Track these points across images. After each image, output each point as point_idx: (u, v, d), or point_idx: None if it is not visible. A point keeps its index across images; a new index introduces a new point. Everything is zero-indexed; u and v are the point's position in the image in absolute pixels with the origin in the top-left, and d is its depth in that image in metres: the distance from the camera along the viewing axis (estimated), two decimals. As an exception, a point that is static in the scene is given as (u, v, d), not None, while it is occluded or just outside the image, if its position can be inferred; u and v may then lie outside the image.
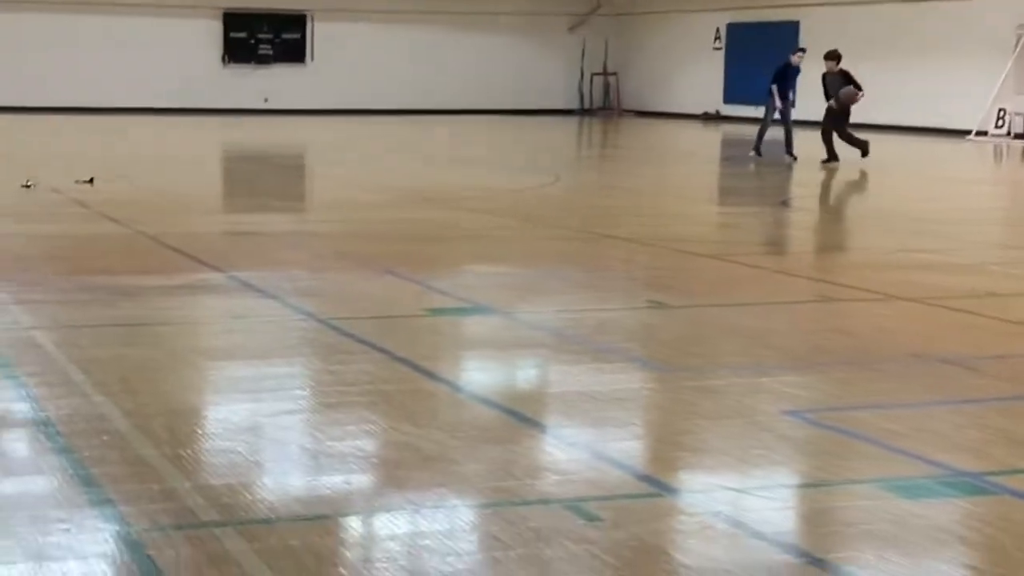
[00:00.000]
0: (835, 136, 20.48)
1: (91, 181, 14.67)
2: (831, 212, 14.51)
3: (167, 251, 10.10)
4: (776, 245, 12.08)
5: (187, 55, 35.57)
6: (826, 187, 17.86)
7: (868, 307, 8.31)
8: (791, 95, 21.37)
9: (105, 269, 9.13)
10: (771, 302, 8.41)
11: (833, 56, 20.64)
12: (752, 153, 21.47)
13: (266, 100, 35.60)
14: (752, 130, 30.98)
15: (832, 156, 20.31)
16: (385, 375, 6.28)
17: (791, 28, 33.38)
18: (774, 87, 21.25)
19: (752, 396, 5.93)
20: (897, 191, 17.42)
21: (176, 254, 9.93)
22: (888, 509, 4.50)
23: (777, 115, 21.33)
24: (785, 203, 15.69)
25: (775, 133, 21.34)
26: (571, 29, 38.93)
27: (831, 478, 4.91)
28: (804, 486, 4.92)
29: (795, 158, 20.64)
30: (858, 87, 20.50)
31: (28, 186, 14.05)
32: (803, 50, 22.34)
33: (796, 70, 21.72)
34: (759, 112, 33.89)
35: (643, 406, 5.95)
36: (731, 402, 5.84)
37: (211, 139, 24.89)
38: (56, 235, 11.11)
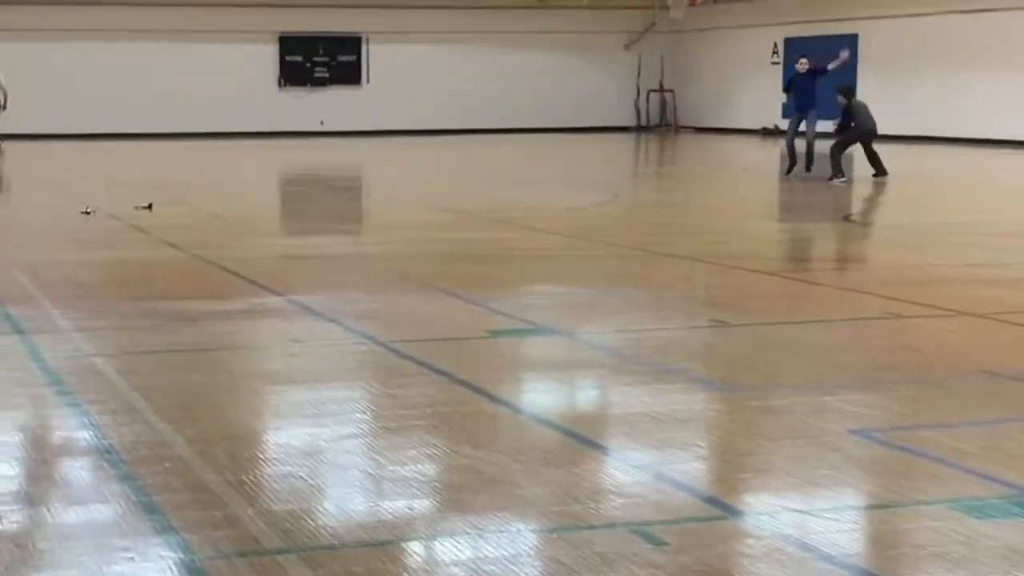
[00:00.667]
0: (872, 150, 20.15)
1: (150, 207, 14.79)
2: (893, 227, 14.34)
3: (226, 275, 10.14)
4: (838, 261, 11.95)
5: (243, 79, 35.89)
6: (887, 202, 17.68)
7: (934, 323, 8.20)
8: (809, 106, 21.01)
9: (165, 295, 9.18)
10: (834, 319, 8.31)
11: (842, 91, 20.48)
12: (792, 171, 21.15)
13: (322, 123, 35.81)
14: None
15: (879, 170, 19.88)
16: (446, 398, 6.25)
17: (850, 41, 33.14)
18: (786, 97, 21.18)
19: (817, 415, 5.85)
20: (962, 204, 17.21)
21: (235, 278, 9.97)
22: (958, 530, 4.41)
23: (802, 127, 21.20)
24: (847, 218, 15.54)
25: (824, 147, 21.09)
26: (627, 47, 38.88)
27: (900, 499, 4.83)
28: (872, 507, 4.83)
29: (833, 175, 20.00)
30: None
31: (87, 213, 14.18)
32: (804, 56, 22.00)
33: (804, 78, 21.17)
34: (819, 127, 33.85)
35: (706, 427, 5.88)
36: (796, 422, 5.76)
37: (268, 162, 25.05)
38: (116, 261, 11.19)
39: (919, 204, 17.24)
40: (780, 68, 35.59)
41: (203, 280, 10.01)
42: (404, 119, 36.58)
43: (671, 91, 39.12)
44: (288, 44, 36.34)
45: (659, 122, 39.18)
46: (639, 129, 38.67)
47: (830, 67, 21.17)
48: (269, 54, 36.35)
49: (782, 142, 30.49)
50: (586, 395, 6.68)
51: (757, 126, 36.01)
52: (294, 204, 18.41)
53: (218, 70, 35.62)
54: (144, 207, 14.76)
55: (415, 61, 37.18)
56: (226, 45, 35.87)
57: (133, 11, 35.01)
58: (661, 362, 7.01)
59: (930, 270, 10.62)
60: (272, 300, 8.95)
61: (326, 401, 6.20)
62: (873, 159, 20.17)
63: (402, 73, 36.93)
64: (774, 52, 35.82)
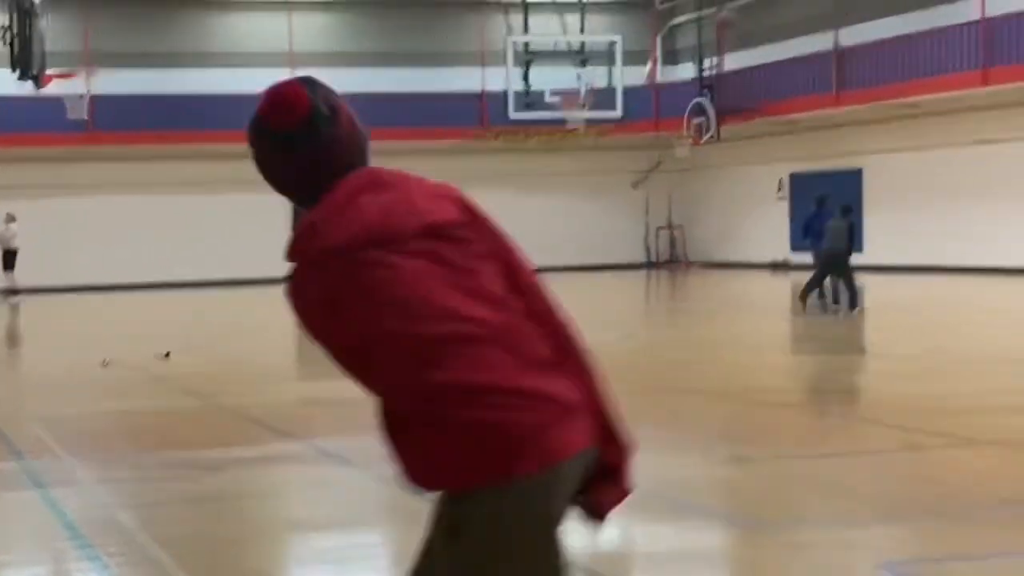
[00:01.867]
0: (842, 280, 19.74)
1: (168, 355, 14.86)
2: (909, 357, 14.34)
3: (246, 422, 10.15)
4: (856, 393, 11.93)
5: (256, 227, 36.35)
6: (900, 332, 17.68)
7: (956, 453, 8.16)
8: (820, 240, 20.86)
9: (185, 443, 9.19)
10: (855, 452, 8.28)
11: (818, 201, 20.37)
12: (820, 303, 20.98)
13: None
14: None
15: (853, 301, 19.53)
16: (469, 541, 6.21)
17: (854, 176, 33.52)
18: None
19: (843, 551, 5.80)
20: (975, 333, 17.22)
21: (255, 425, 9.97)
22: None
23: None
24: (861, 349, 15.55)
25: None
26: (634, 185, 39.32)
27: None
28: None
29: (853, 308, 19.74)
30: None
31: (106, 364, 14.25)
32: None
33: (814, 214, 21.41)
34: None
35: (732, 565, 5.84)
36: (822, 558, 5.72)
37: (284, 309, 25.20)
38: (135, 411, 11.20)
39: (932, 334, 17.23)
40: (787, 203, 35.95)
41: (223, 428, 10.02)
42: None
43: (680, 228, 39.45)
44: (296, 191, 36.84)
45: (669, 258, 39.44)
46: (650, 266, 38.90)
47: None
48: (281, 203, 36.72)
49: (794, 275, 30.56)
50: (609, 534, 6.64)
51: (766, 260, 36.22)
52: (312, 348, 18.41)
53: (230, 218, 36.18)
54: (162, 356, 14.83)
55: (426, 204, 37.59)
56: (237, 195, 36.38)
57: (148, 164, 35.67)
58: (684, 499, 6.98)
59: (947, 400, 10.59)
60: (293, 446, 8.95)
61: (350, 547, 6.17)
62: (851, 288, 19.63)
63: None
64: (779, 188, 36.19)
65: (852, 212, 20.57)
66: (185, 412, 11.03)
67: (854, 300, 19.63)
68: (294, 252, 3.13)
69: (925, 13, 30.22)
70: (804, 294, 20.04)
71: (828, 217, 20.34)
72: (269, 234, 36.70)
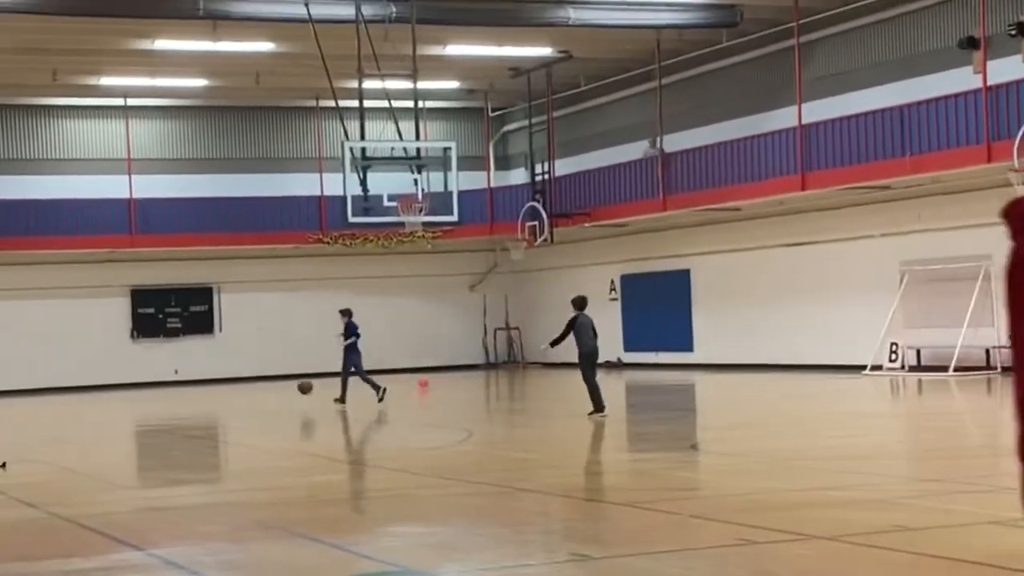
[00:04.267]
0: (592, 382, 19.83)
1: (3, 465, 14.55)
2: (741, 454, 14.77)
3: (84, 532, 10.03)
4: (690, 490, 12.25)
5: (96, 333, 35.93)
6: (731, 429, 18.19)
7: (787, 548, 8.47)
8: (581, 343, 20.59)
9: (21, 556, 9.04)
10: (691, 548, 8.54)
11: (576, 303, 20.71)
12: None
13: (176, 372, 35.79)
14: (653, 376, 31.61)
15: (598, 406, 19.58)
16: (318, 645, 6.29)
17: (683, 276, 34.44)
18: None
19: (682, 642, 6.02)
20: (803, 429, 17.79)
21: (94, 534, 9.86)
22: None
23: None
24: (695, 447, 15.96)
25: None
26: (472, 288, 39.78)
27: None
28: None
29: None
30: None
31: (2, 465, 13.92)
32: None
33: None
34: (658, 358, 34.81)
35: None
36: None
37: (124, 414, 24.82)
38: (-30, 522, 10.97)
39: (762, 431, 17.76)
40: (618, 304, 36.71)
41: (60, 539, 9.88)
42: (258, 365, 36.76)
43: (517, 328, 39.94)
44: (140, 297, 36.62)
45: (507, 359, 39.85)
46: (488, 366, 39.24)
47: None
48: (122, 307, 36.49)
49: (628, 373, 31.18)
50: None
51: (601, 360, 36.78)
52: (152, 455, 18.25)
53: (70, 324, 35.65)
54: (-3, 466, 14.53)
55: (267, 309, 37.58)
56: (79, 301, 35.97)
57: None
58: (528, 598, 7.14)
59: (778, 495, 10.95)
60: (132, 555, 8.88)
61: (199, 654, 6.19)
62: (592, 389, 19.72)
63: (254, 320, 37.30)
64: (612, 288, 36.96)
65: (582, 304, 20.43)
66: (22, 523, 10.84)
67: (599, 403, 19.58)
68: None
69: (745, 120, 31.42)
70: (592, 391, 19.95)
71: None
72: (105, 340, 36.25)
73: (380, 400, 23.88)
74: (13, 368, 34.84)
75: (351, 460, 14.81)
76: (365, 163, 25.76)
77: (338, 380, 24.47)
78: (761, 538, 8.77)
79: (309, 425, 21.81)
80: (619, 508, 10.45)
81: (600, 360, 36.75)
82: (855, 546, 8.35)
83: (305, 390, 24.75)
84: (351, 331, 24.62)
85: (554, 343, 20.14)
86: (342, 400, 24.19)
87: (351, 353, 24.45)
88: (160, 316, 36.60)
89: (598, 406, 19.49)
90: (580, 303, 20.39)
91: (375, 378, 24.80)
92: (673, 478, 12.70)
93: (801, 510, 9.89)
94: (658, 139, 31.94)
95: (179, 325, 36.74)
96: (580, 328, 19.92)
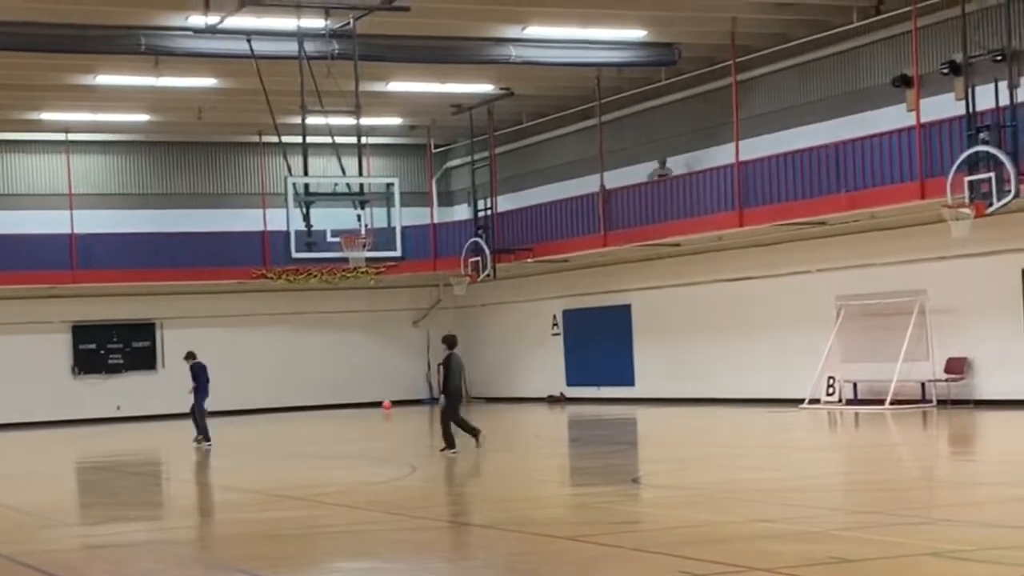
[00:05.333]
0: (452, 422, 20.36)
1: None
2: (681, 487, 14.94)
3: (24, 570, 10.00)
4: (631, 523, 12.40)
5: (36, 369, 35.64)
6: (672, 463, 18.38)
7: (724, 578, 8.62)
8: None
9: (-36, 594, 9.04)
10: (632, 579, 8.66)
11: (447, 341, 21.05)
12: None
13: (119, 408, 35.59)
14: (595, 410, 31.78)
15: (449, 444, 20.19)
16: None
17: (624, 311, 34.70)
18: None
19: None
20: (742, 462, 17.99)
21: (34, 572, 9.85)
22: None
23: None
24: (635, 481, 16.12)
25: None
26: (415, 323, 39.85)
27: None
28: None
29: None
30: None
31: None
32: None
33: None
34: (601, 392, 35.01)
35: None
36: None
37: (65, 451, 24.66)
38: (-89, 562, 10.92)
39: (702, 464, 17.95)
40: (561, 339, 36.90)
41: (5, 576, 9.88)
42: (199, 401, 36.54)
43: (460, 363, 39.97)
44: (81, 333, 36.38)
45: (449, 394, 39.85)
46: (432, 401, 39.24)
47: None
48: (62, 343, 36.24)
49: (570, 408, 31.33)
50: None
51: (543, 394, 37.00)
52: (93, 492, 18.17)
53: (10, 361, 35.37)
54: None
55: (209, 344, 37.30)
56: (17, 336, 35.68)
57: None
58: (472, 630, 7.25)
59: (719, 528, 11.11)
60: (79, 592, 8.90)
61: None
62: (464, 425, 20.40)
63: (197, 356, 37.00)
64: (554, 324, 37.16)
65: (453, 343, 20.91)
66: (-35, 561, 10.81)
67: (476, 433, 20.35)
68: None
69: (683, 157, 31.79)
70: (464, 427, 20.38)
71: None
72: (46, 376, 35.94)
73: (197, 443, 24.37)
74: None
75: (294, 495, 14.85)
76: (308, 199, 25.79)
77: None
78: (702, 571, 8.90)
79: (250, 461, 21.78)
80: (562, 541, 10.57)
81: (543, 394, 37.02)
82: (793, 577, 8.50)
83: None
84: (198, 375, 25.11)
85: (443, 390, 20.46)
86: (206, 439, 24.49)
87: (198, 394, 24.89)
88: (102, 352, 36.37)
89: (474, 433, 20.22)
90: (451, 342, 20.75)
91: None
92: (615, 511, 12.83)
93: (741, 542, 10.04)
94: (666, 161, 31.67)
95: (121, 361, 36.53)
96: (453, 369, 20.34)
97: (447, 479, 17.60)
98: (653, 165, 32.20)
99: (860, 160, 26.11)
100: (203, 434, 24.41)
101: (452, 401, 20.23)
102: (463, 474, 18.16)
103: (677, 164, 31.74)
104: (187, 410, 25.50)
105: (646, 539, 10.58)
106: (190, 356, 25.62)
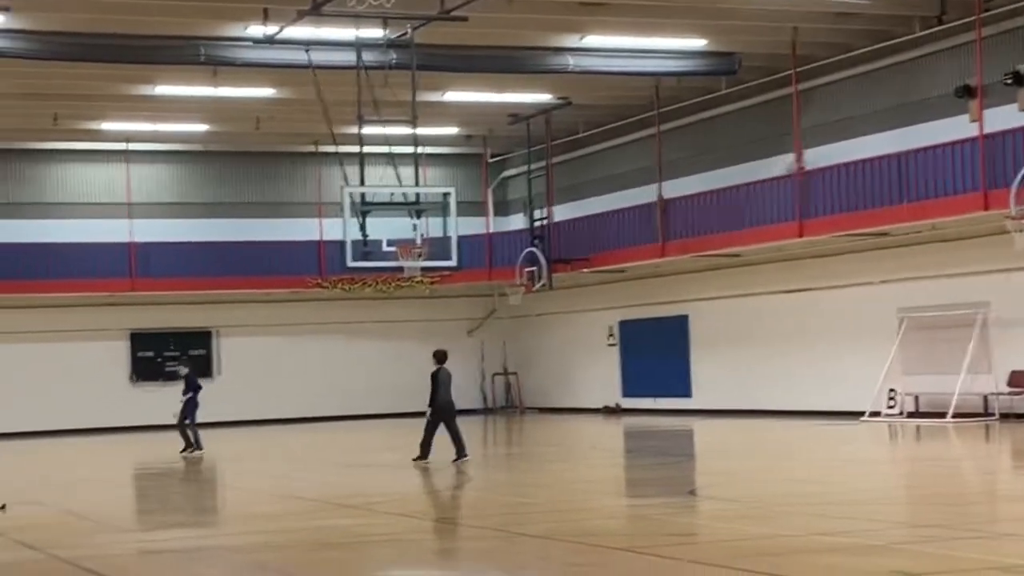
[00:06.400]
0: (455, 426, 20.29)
1: (3, 508, 14.56)
2: (739, 500, 14.78)
3: (83, 574, 10.04)
4: (688, 535, 12.27)
5: (96, 376, 35.98)
6: (728, 475, 18.21)
7: (784, 591, 8.49)
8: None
9: (24, 596, 9.07)
10: (690, 591, 8.56)
11: (437, 356, 20.94)
12: None
13: (175, 416, 35.78)
14: (651, 421, 31.62)
15: (424, 453, 20.21)
16: None
17: (681, 322, 34.50)
18: None
19: None
20: (802, 475, 17.80)
21: (94, 577, 9.89)
22: None
23: None
24: (692, 492, 15.97)
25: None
26: (470, 332, 39.82)
27: None
28: None
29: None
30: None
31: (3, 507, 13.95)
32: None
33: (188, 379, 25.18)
34: (657, 404, 34.83)
35: None
36: None
37: (122, 457, 24.83)
38: (-30, 565, 10.99)
39: (760, 476, 17.77)
40: (617, 349, 36.75)
41: (61, 580, 9.90)
42: (255, 409, 36.79)
43: (515, 373, 39.97)
44: (139, 340, 36.67)
45: (505, 404, 39.86)
46: (486, 411, 39.24)
47: None
48: (120, 350, 36.55)
49: (626, 419, 31.18)
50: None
51: (599, 405, 36.85)
52: (150, 498, 18.24)
53: (70, 368, 35.85)
54: (-2, 509, 14.54)
55: (265, 352, 37.66)
56: (78, 344, 36.06)
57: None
58: (528, 641, 7.16)
59: (777, 540, 10.97)
60: (134, 597, 8.90)
61: None
62: (456, 437, 20.28)
63: (252, 364, 37.37)
64: (610, 334, 37.01)
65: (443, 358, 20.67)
66: (22, 565, 10.84)
67: (462, 449, 20.11)
68: None
69: (744, 167, 31.56)
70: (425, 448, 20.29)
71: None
72: (104, 383, 36.25)
73: (184, 453, 24.38)
74: (13, 411, 34.87)
75: (350, 503, 14.82)
76: (364, 208, 25.85)
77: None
78: (760, 583, 8.79)
79: (305, 469, 21.80)
80: (618, 553, 10.47)
81: (599, 405, 36.91)
82: (854, 590, 8.36)
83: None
84: (191, 386, 25.12)
85: (431, 403, 20.37)
86: (198, 447, 24.63)
87: (190, 405, 24.87)
88: (159, 359, 36.61)
89: (461, 452, 20.01)
90: (441, 357, 20.72)
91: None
92: (672, 523, 12.71)
93: (800, 555, 9.91)
94: (803, 153, 30.40)
95: (178, 369, 36.73)
96: (442, 382, 20.33)
97: (503, 489, 17.52)
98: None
99: (922, 171, 25.83)
100: (186, 442, 24.65)
101: (437, 414, 20.28)
102: (519, 484, 18.07)
103: (737, 174, 31.44)
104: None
105: (703, 551, 10.46)
106: (186, 365, 26.30)
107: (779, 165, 29.92)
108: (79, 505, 15.98)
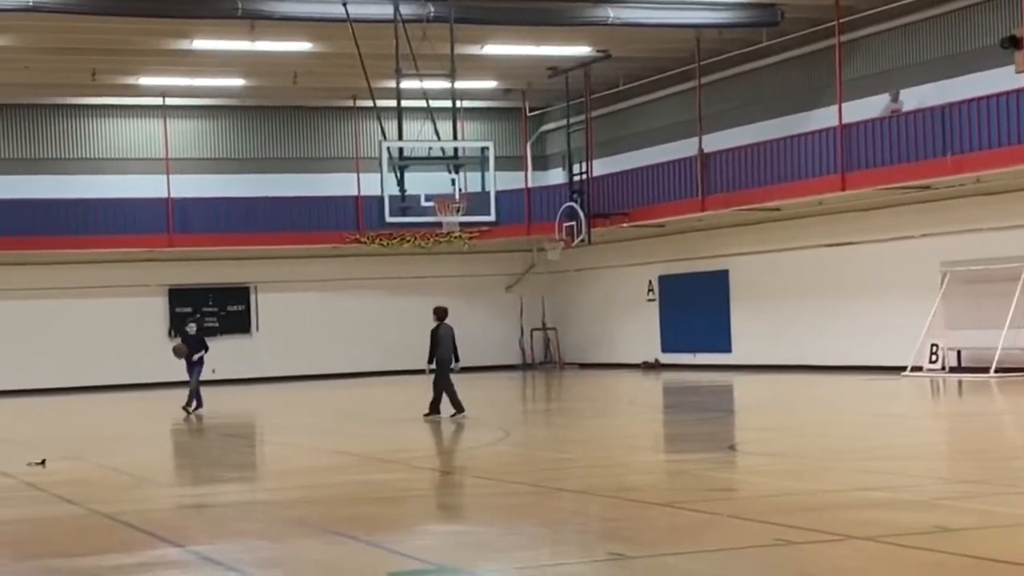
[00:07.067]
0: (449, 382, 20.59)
1: (43, 463, 14.65)
2: (778, 455, 14.69)
3: (124, 528, 10.07)
4: (728, 490, 12.20)
5: (134, 332, 36.13)
6: (769, 430, 18.11)
7: (826, 549, 8.42)
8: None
9: (62, 552, 9.09)
10: (729, 548, 8.50)
11: (437, 312, 20.88)
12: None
13: (213, 371, 35.88)
14: (691, 377, 31.52)
15: (434, 409, 20.50)
16: (355, 642, 6.28)
17: (721, 277, 34.30)
18: None
19: (721, 643, 5.98)
20: (842, 430, 17.69)
21: (133, 531, 9.90)
22: None
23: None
24: (732, 448, 15.89)
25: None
26: (508, 288, 39.75)
27: None
28: None
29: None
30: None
31: (38, 464, 14.05)
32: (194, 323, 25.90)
33: (195, 337, 24.49)
34: (696, 359, 34.69)
35: (614, 659, 5.98)
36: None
37: (160, 413, 24.94)
38: (10, 520, 11.03)
39: (800, 431, 17.68)
40: (656, 304, 36.60)
41: (101, 535, 9.93)
42: (294, 365, 36.90)
43: (554, 329, 39.89)
44: (177, 296, 36.77)
45: (544, 359, 39.81)
46: (525, 367, 39.20)
47: None
48: (158, 306, 36.67)
49: (665, 375, 31.11)
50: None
51: (638, 360, 36.74)
52: (189, 453, 18.33)
53: (108, 324, 35.94)
54: (37, 463, 14.61)
55: (303, 308, 37.70)
56: (116, 300, 36.20)
57: (23, 270, 35.23)
58: (565, 597, 7.12)
59: (817, 496, 10.89)
60: (171, 551, 8.91)
61: (235, 651, 6.20)
62: (453, 398, 20.50)
63: (290, 320, 37.43)
64: (650, 289, 36.86)
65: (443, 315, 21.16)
66: (61, 520, 10.89)
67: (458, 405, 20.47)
68: None
69: (785, 119, 31.26)
70: (452, 400, 20.55)
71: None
72: (142, 339, 36.41)
73: (186, 411, 24.00)
74: (52, 366, 35.13)
75: (388, 459, 14.82)
76: (402, 163, 25.77)
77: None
78: (799, 539, 8.72)
79: (345, 424, 21.85)
80: (657, 508, 10.41)
81: (638, 360, 36.83)
82: (894, 547, 8.29)
83: (180, 354, 24.63)
84: (199, 346, 24.67)
85: (430, 360, 20.79)
86: (198, 406, 24.16)
87: (198, 366, 24.44)
88: (197, 315, 36.73)
89: (458, 407, 20.41)
90: (441, 314, 21.16)
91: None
92: (711, 478, 12.65)
93: (839, 511, 9.83)
94: (899, 95, 28.38)
95: (216, 325, 36.87)
96: (442, 338, 20.74)
97: (541, 444, 17.49)
98: (753, 127, 31.48)
99: (966, 123, 25.48)
100: (191, 400, 24.21)
101: (442, 369, 20.58)
102: (557, 440, 18.04)
103: (778, 127, 31.17)
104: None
105: (742, 506, 10.40)
106: (191, 328, 25.71)
107: (879, 107, 28.88)
108: (118, 460, 16.06)
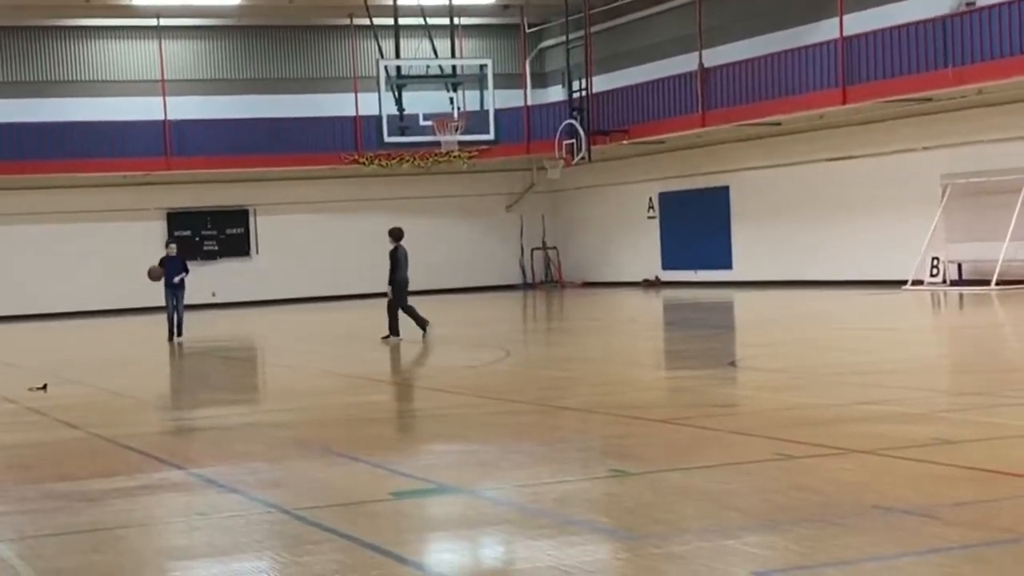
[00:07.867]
0: (399, 311, 20.57)
1: (44, 387, 14.67)
2: (779, 370, 14.70)
3: (126, 452, 10.10)
4: (728, 406, 12.21)
5: (132, 256, 35.97)
6: (770, 346, 18.11)
7: (826, 462, 8.43)
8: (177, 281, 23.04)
9: (65, 475, 9.11)
10: (730, 463, 8.51)
11: (393, 234, 20.87)
12: None
13: (214, 294, 35.90)
14: (692, 294, 31.52)
15: (393, 331, 20.52)
16: (354, 563, 6.30)
17: (722, 193, 34.19)
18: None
19: (719, 559, 6.00)
20: (843, 344, 17.70)
21: (135, 454, 9.93)
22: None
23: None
24: (732, 364, 15.90)
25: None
26: (508, 208, 39.65)
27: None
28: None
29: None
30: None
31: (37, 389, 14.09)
32: (174, 243, 24.48)
33: (174, 260, 23.48)
34: (698, 276, 34.69)
35: (614, 576, 5.99)
36: (699, 567, 5.90)
37: (159, 337, 24.95)
38: (13, 444, 11.06)
39: (801, 347, 17.68)
40: (657, 222, 36.52)
41: (102, 458, 9.95)
42: (294, 287, 36.89)
43: (554, 248, 39.84)
44: (176, 219, 36.67)
45: (545, 279, 39.80)
46: (526, 286, 39.22)
47: None
48: (157, 230, 36.52)
49: (666, 292, 31.12)
50: (492, 552, 6.76)
51: (639, 278, 36.74)
52: (190, 376, 18.36)
53: (106, 248, 35.78)
54: (38, 388, 14.64)
55: (302, 230, 37.62)
56: (114, 224, 36.08)
57: (19, 195, 35.08)
58: (564, 514, 7.14)
59: (817, 410, 10.91)
60: (173, 474, 8.94)
61: (233, 574, 6.21)
62: (413, 314, 20.57)
63: (290, 243, 37.36)
64: (650, 207, 36.75)
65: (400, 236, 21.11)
66: (64, 443, 10.93)
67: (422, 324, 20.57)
68: None
69: (785, 33, 30.97)
70: (413, 317, 20.59)
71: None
72: (141, 263, 36.28)
73: (170, 338, 23.28)
74: (50, 291, 35.11)
75: (388, 380, 14.84)
76: (400, 82, 25.63)
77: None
78: (799, 453, 8.74)
79: (345, 346, 21.88)
80: (657, 424, 10.42)
81: (639, 278, 36.78)
82: (894, 459, 8.31)
83: (155, 276, 23.76)
84: (180, 268, 23.68)
85: (391, 281, 20.71)
86: (178, 332, 23.40)
87: (180, 289, 23.54)
88: (196, 239, 36.69)
89: (422, 324, 20.49)
90: (396, 234, 21.01)
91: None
92: (711, 394, 12.66)
93: (840, 425, 9.85)
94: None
95: (215, 248, 36.82)
96: (400, 260, 20.68)
97: (541, 364, 17.52)
98: (753, 40, 31.19)
99: (968, 34, 25.24)
100: (178, 330, 23.32)
101: (398, 291, 20.52)
102: (558, 358, 18.06)
103: (778, 40, 30.87)
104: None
105: (743, 422, 10.41)
106: (171, 249, 24.28)
107: (948, 3, 27.96)
108: (118, 384, 16.09)
